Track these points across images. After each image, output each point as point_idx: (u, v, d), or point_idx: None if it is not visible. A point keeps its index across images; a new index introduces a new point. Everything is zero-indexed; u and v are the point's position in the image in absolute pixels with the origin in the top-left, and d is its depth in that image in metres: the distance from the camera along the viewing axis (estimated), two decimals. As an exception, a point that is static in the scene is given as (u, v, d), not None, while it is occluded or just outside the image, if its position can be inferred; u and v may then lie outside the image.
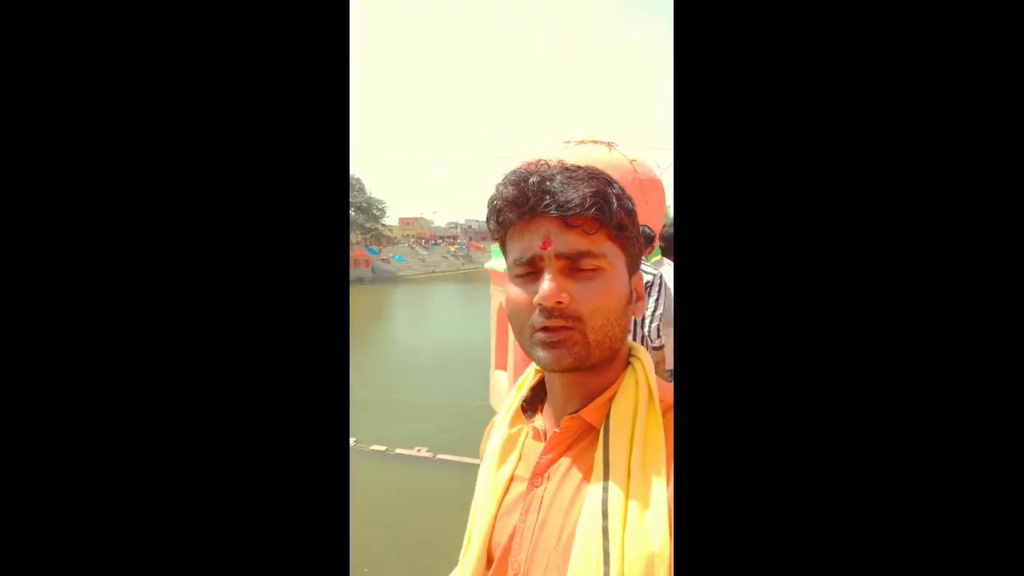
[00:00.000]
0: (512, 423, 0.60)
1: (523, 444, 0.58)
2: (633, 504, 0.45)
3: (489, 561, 0.55)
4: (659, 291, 2.61)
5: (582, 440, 0.53)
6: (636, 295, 0.54)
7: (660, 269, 2.75)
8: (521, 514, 0.53)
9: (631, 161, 4.41)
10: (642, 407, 0.50)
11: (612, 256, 0.50)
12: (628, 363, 0.55)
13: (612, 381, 0.53)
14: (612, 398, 0.52)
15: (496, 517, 0.55)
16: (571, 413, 0.53)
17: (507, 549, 0.53)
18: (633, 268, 0.54)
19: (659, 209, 4.63)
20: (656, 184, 4.62)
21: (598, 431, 0.51)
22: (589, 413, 0.52)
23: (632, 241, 0.53)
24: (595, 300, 0.49)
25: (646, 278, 2.56)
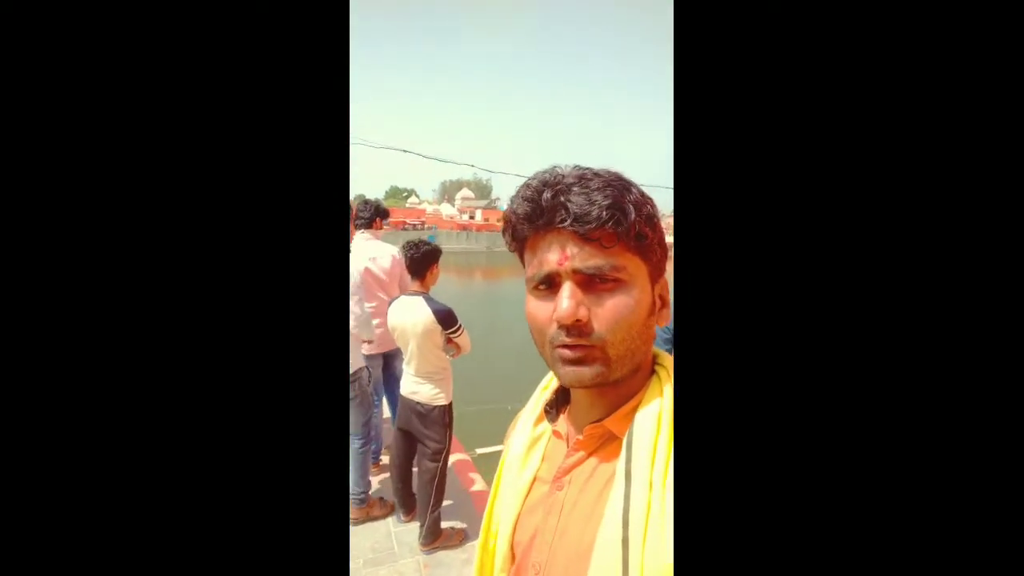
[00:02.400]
0: (536, 424, 0.60)
1: (547, 446, 0.59)
2: (654, 516, 0.45)
3: (513, 558, 0.56)
4: (359, 287, 2.40)
5: (604, 447, 0.53)
6: (661, 302, 0.52)
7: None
8: (542, 516, 0.54)
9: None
10: (666, 417, 0.49)
11: (633, 267, 0.49)
12: (653, 371, 0.53)
13: (636, 390, 0.52)
14: (636, 407, 0.51)
15: (519, 516, 0.56)
16: (594, 422, 0.53)
17: (528, 549, 0.54)
18: (656, 275, 0.52)
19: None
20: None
21: (621, 439, 0.50)
22: (612, 423, 0.52)
23: (653, 248, 0.50)
24: (615, 316, 0.47)
25: (352, 276, 2.36)
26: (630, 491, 0.46)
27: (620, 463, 0.48)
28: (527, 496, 0.57)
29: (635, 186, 0.50)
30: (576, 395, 0.57)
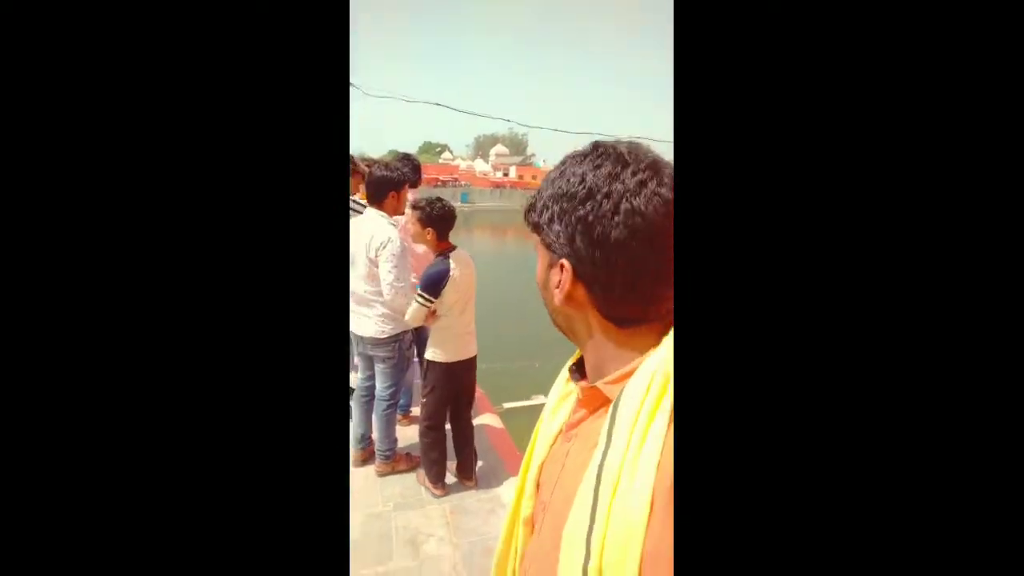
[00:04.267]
0: (566, 382, 0.68)
1: (573, 402, 0.66)
2: (624, 476, 0.49)
3: (536, 494, 0.66)
4: (392, 256, 2.27)
5: (601, 407, 0.58)
6: (556, 281, 0.57)
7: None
8: (554, 463, 0.62)
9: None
10: (655, 386, 0.52)
11: (541, 248, 0.60)
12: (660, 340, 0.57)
13: (637, 354, 0.56)
14: (632, 373, 0.54)
15: (544, 462, 0.66)
16: (593, 383, 0.59)
17: (543, 489, 0.64)
18: (556, 253, 0.57)
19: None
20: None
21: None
22: (605, 386, 0.57)
23: (542, 231, 0.58)
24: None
25: (381, 238, 2.25)
26: (607, 451, 0.51)
27: (604, 424, 0.53)
28: (552, 446, 0.65)
29: (580, 187, 0.55)
30: (585, 357, 0.63)
